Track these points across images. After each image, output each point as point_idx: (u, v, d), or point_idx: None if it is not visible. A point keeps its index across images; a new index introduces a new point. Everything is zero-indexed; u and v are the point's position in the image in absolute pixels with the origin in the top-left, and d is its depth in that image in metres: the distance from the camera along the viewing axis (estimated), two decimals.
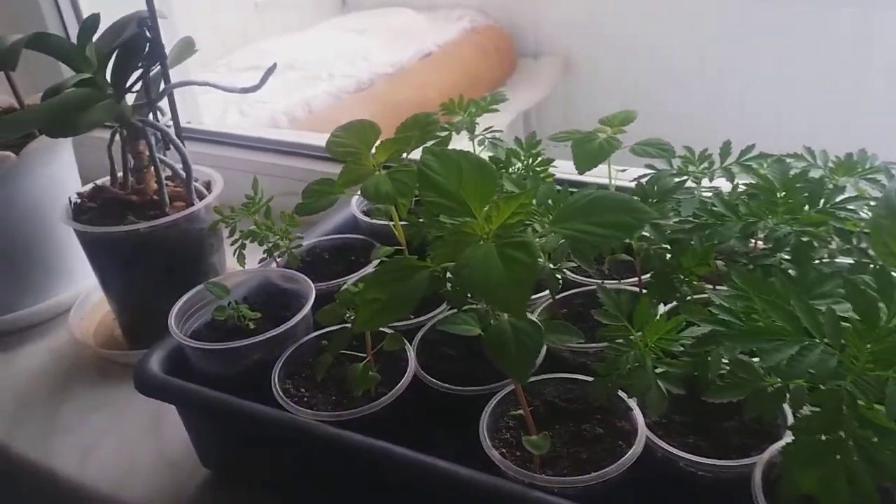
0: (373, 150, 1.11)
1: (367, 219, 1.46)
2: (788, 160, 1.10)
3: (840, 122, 3.68)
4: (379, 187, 1.02)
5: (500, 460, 0.92)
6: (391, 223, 1.17)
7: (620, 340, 0.89)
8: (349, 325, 1.01)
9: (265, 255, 1.29)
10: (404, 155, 1.11)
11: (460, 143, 1.44)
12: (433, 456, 0.95)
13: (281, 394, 1.07)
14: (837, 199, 0.99)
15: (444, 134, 1.31)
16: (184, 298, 1.22)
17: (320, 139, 2.01)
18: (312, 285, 1.23)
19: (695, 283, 1.06)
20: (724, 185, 1.17)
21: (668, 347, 0.88)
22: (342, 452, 0.98)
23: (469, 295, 1.03)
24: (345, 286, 1.07)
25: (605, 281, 1.24)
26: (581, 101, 4.41)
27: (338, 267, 1.41)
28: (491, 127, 1.36)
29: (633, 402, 0.98)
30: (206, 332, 1.22)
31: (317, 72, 3.59)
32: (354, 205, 1.51)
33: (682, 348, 0.88)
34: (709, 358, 0.88)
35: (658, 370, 0.87)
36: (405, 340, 1.03)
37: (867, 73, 3.70)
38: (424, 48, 4.04)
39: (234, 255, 1.29)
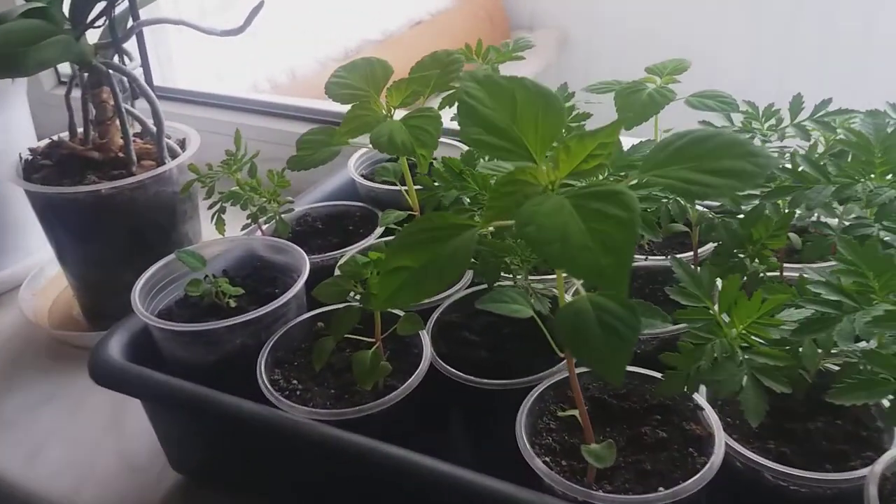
0: (383, 94, 0.92)
1: (368, 183, 1.26)
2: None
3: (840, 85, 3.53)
4: (393, 136, 0.83)
5: (546, 472, 0.74)
6: (402, 188, 0.98)
7: (702, 325, 0.71)
8: (354, 304, 0.82)
9: (249, 221, 1.09)
10: (420, 100, 0.92)
11: None
12: (456, 465, 0.77)
13: (269, 386, 0.88)
14: None
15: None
16: (151, 270, 1.02)
17: (311, 103, 1.81)
18: (306, 257, 1.04)
19: (769, 258, 0.89)
20: (795, 145, 1.00)
21: (763, 334, 0.70)
22: (345, 459, 0.80)
23: (509, 264, 0.85)
24: (345, 258, 0.88)
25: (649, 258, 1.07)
26: (576, 77, 4.22)
27: (334, 238, 1.22)
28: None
29: (703, 401, 0.81)
30: (177, 311, 1.03)
31: (302, 36, 3.37)
32: (352, 167, 1.31)
33: (779, 336, 0.70)
34: (810, 347, 0.71)
35: (750, 362, 0.70)
36: (422, 322, 0.85)
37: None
38: (415, 16, 3.83)
39: (211, 220, 1.09)
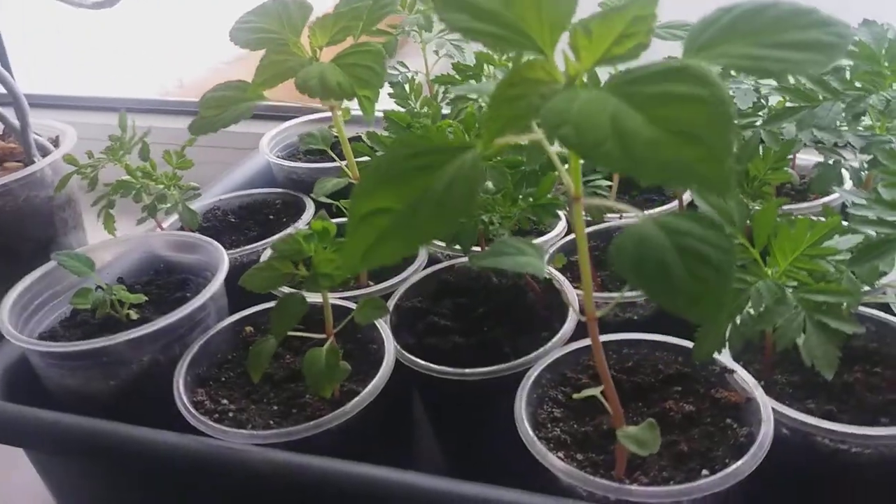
0: (304, 37, 0.75)
1: (288, 163, 1.08)
2: None
3: None
4: (326, 78, 0.66)
5: (566, 470, 0.58)
6: (333, 164, 0.81)
7: (741, 265, 0.57)
8: (295, 293, 0.64)
9: (145, 215, 0.88)
10: (351, 39, 0.75)
11: (412, 51, 1.09)
12: (447, 477, 0.60)
13: (192, 409, 0.69)
14: None
15: (388, 36, 0.96)
16: (24, 284, 0.81)
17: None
18: (224, 253, 0.85)
19: (770, 196, 0.77)
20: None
21: (813, 268, 0.57)
22: (306, 487, 0.62)
23: (488, 223, 0.69)
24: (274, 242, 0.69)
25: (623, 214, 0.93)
26: None
27: (251, 231, 1.03)
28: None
29: (731, 362, 0.67)
30: (63, 332, 0.82)
31: (189, 44, 3.12)
32: (266, 147, 1.12)
33: (832, 269, 0.58)
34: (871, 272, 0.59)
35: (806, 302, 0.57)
36: (385, 305, 0.67)
37: None
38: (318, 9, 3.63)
39: (98, 217, 0.88)
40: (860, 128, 0.76)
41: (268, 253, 0.91)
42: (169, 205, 0.88)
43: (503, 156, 0.69)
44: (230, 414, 0.70)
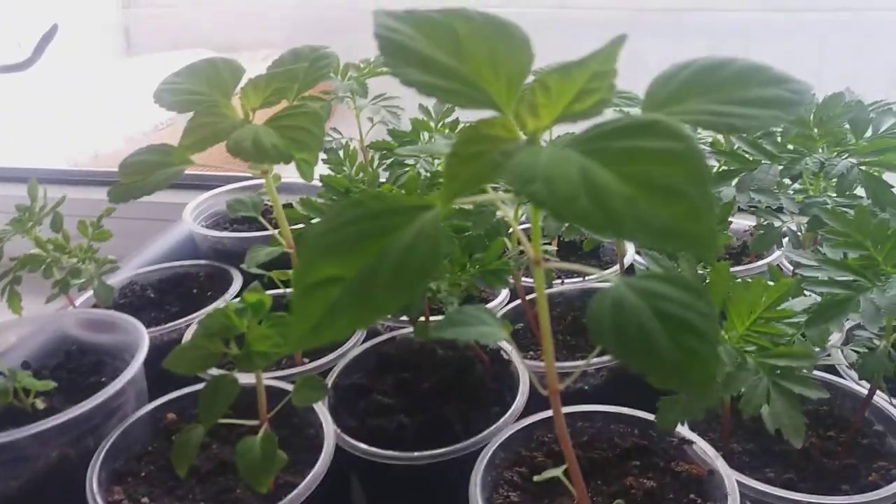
0: (235, 100, 0.71)
1: (213, 233, 1.02)
2: None
3: None
4: (260, 140, 0.62)
5: None
6: (263, 233, 0.76)
7: None
8: (226, 375, 0.58)
9: (55, 291, 0.81)
10: (285, 102, 0.71)
11: (344, 118, 1.06)
12: None
13: None
14: (887, 126, 0.74)
15: (321, 101, 0.93)
16: None
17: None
18: (144, 331, 0.78)
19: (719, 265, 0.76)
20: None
21: (771, 331, 0.55)
22: None
23: (436, 291, 0.65)
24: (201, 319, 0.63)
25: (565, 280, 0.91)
26: None
27: (172, 307, 0.95)
28: (384, 94, 1.00)
29: (689, 432, 0.65)
30: None
31: (103, 114, 3.03)
32: (190, 217, 1.06)
33: (791, 332, 0.56)
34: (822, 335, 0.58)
35: (767, 367, 0.55)
36: (325, 385, 0.62)
37: None
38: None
39: (1, 295, 0.79)
40: (790, 191, 0.78)
41: (192, 330, 0.84)
42: (83, 280, 0.80)
43: (448, 220, 0.66)
44: None
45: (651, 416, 0.67)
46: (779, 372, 0.54)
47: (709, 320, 0.33)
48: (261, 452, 0.55)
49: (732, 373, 0.54)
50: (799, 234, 0.78)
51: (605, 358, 0.76)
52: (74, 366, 0.79)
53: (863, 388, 0.69)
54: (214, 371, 0.66)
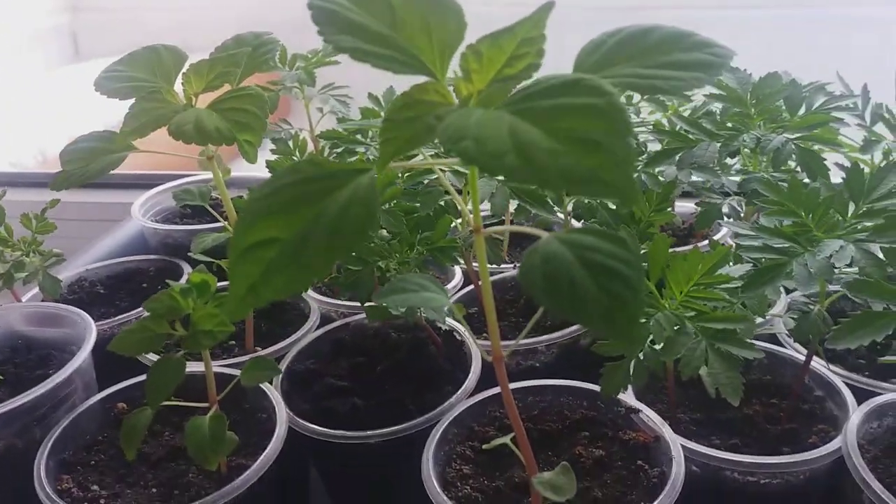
0: (177, 85, 0.71)
1: (163, 227, 1.01)
2: None
3: None
4: (202, 123, 0.62)
5: None
6: (220, 222, 0.76)
7: None
8: (171, 356, 0.58)
9: None
10: (228, 86, 0.71)
11: (296, 112, 1.06)
12: None
13: (56, 500, 0.60)
14: (819, 103, 0.77)
15: (269, 92, 0.93)
16: None
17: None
18: (91, 322, 0.77)
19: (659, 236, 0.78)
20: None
21: (709, 296, 0.57)
22: None
23: (384, 269, 0.65)
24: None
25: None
26: None
27: (122, 302, 0.94)
28: (332, 83, 1.00)
29: (636, 402, 0.66)
30: None
31: (50, 118, 2.96)
32: (138, 212, 1.05)
33: (726, 298, 0.58)
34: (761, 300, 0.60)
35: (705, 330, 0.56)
36: (276, 365, 0.62)
37: None
38: None
39: None
40: (732, 170, 0.80)
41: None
42: (27, 273, 0.79)
43: (398, 202, 0.67)
44: (102, 501, 0.62)
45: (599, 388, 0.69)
46: (718, 335, 0.56)
47: (632, 267, 0.35)
48: (209, 431, 0.55)
49: (672, 337, 0.56)
50: (740, 210, 0.80)
51: (556, 335, 0.78)
52: (21, 360, 0.78)
53: (803, 356, 0.72)
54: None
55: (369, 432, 0.66)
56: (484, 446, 0.59)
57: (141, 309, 0.86)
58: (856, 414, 0.63)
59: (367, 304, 0.69)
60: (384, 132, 0.40)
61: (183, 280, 0.92)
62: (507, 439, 0.55)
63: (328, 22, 0.42)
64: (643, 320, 0.57)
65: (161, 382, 0.55)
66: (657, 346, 0.58)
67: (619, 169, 0.32)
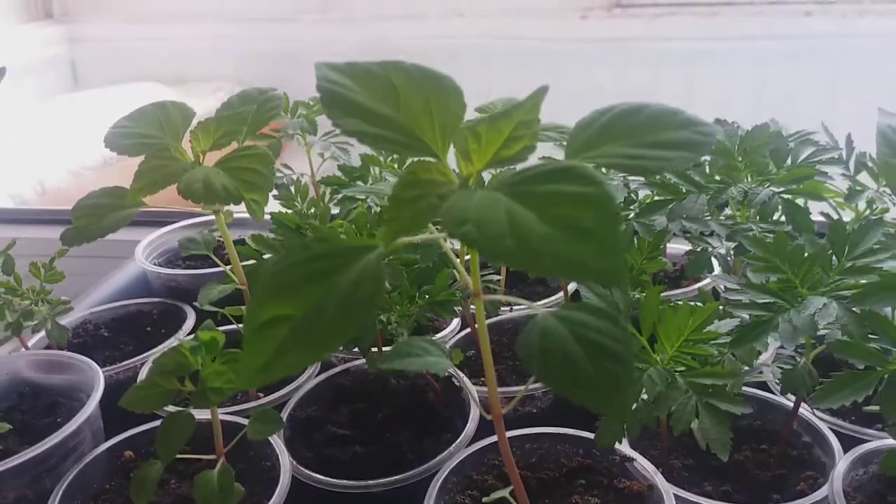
0: (185, 142, 0.74)
1: (166, 271, 1.03)
2: None
3: None
4: (211, 182, 0.65)
5: None
6: (214, 269, 0.79)
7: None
8: (182, 411, 0.60)
9: (7, 334, 0.81)
10: (234, 144, 0.74)
11: (295, 154, 1.09)
12: None
13: None
14: (805, 155, 0.80)
15: (271, 139, 0.96)
16: None
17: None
18: (99, 371, 0.78)
19: (650, 285, 0.81)
20: None
21: (698, 352, 0.60)
22: None
23: (386, 323, 0.68)
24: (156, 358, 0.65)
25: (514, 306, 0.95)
26: None
27: (127, 346, 0.96)
28: (333, 131, 1.03)
29: (630, 450, 0.68)
30: None
31: (50, 149, 2.99)
32: (142, 255, 1.07)
33: (716, 352, 0.61)
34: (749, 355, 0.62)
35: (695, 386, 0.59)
36: (280, 418, 0.64)
37: None
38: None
39: None
40: (722, 217, 0.83)
41: (147, 368, 0.85)
42: (36, 321, 0.81)
43: (397, 254, 0.69)
44: None
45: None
46: (708, 390, 0.58)
47: (622, 344, 0.37)
48: (217, 486, 0.57)
49: (663, 392, 0.58)
50: (729, 258, 0.83)
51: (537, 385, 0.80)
52: (28, 408, 0.80)
53: (791, 401, 0.74)
54: (171, 408, 0.67)
55: (371, 482, 0.68)
56: (484, 500, 0.61)
57: (145, 354, 0.88)
58: (842, 462, 0.65)
59: (369, 353, 0.71)
60: (390, 210, 0.42)
61: (187, 325, 0.94)
62: (506, 492, 0.58)
63: (336, 106, 0.45)
64: (636, 374, 0.59)
65: (172, 437, 0.57)
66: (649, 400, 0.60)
67: (608, 257, 0.34)
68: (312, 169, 1.04)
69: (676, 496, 0.63)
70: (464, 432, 0.72)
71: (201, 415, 0.64)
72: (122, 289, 1.08)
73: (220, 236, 0.78)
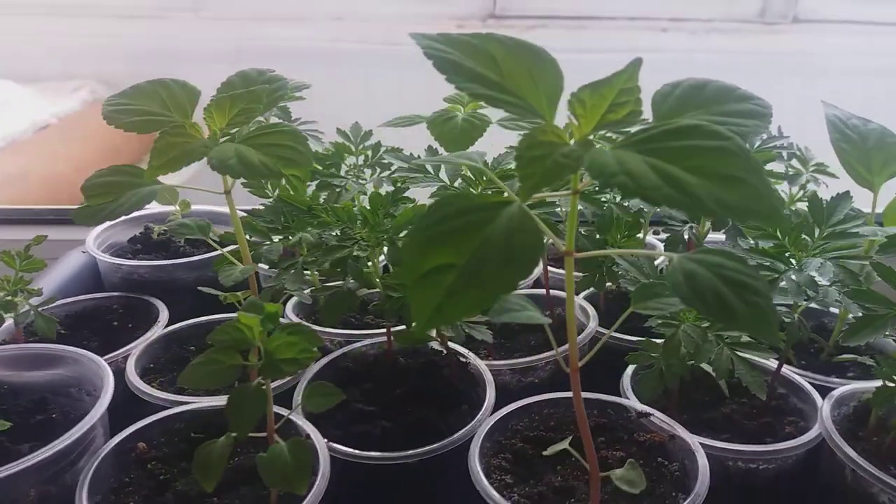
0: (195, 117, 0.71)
1: (127, 262, 0.97)
2: None
3: None
4: (247, 157, 0.64)
5: None
6: (228, 246, 0.77)
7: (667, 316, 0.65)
8: (251, 384, 0.59)
9: None
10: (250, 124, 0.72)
11: None
12: None
13: None
14: (758, 143, 0.90)
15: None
16: None
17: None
18: (101, 361, 0.74)
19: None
20: None
21: None
22: None
23: None
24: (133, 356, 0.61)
25: None
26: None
27: (90, 343, 0.90)
28: (300, 118, 1.02)
29: (637, 404, 0.74)
30: None
31: None
32: (93, 245, 1.00)
33: None
34: None
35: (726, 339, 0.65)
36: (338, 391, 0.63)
37: None
38: (39, 120, 3.34)
39: None
40: None
41: (133, 360, 0.81)
42: (18, 313, 0.75)
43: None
44: None
45: (607, 398, 0.76)
46: (735, 343, 0.65)
47: (759, 280, 0.42)
48: (292, 461, 0.56)
49: (700, 346, 0.64)
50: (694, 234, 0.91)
51: (546, 354, 0.84)
52: (10, 406, 0.73)
53: (763, 361, 0.82)
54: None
55: (410, 452, 0.69)
56: (545, 452, 0.64)
57: (131, 345, 0.84)
58: (825, 403, 0.74)
59: (394, 330, 0.72)
60: (521, 169, 0.45)
61: (163, 318, 0.90)
62: (566, 444, 0.61)
63: (453, 70, 0.47)
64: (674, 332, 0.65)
65: (245, 412, 0.56)
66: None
67: (767, 200, 0.39)
68: None
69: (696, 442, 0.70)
70: (486, 402, 0.75)
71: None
72: (64, 285, 1.01)
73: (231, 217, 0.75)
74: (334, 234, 0.75)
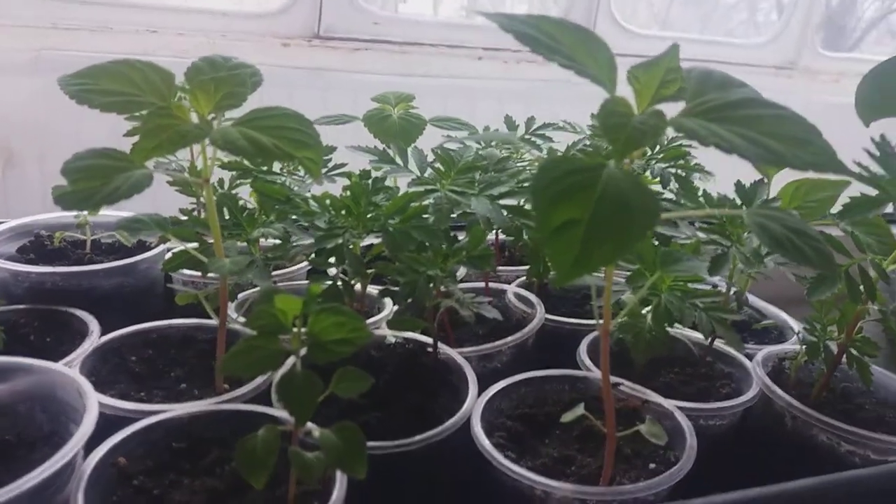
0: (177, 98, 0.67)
1: (37, 269, 0.86)
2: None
3: None
4: (258, 140, 0.61)
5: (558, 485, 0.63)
6: (185, 246, 0.71)
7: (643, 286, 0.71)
8: (302, 372, 0.55)
9: None
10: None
11: None
12: None
13: None
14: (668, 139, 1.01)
15: None
16: None
17: None
18: (66, 370, 0.66)
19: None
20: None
21: (693, 278, 0.74)
22: None
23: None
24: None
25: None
26: (24, 192, 3.63)
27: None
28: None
29: (613, 378, 0.80)
30: None
31: None
32: None
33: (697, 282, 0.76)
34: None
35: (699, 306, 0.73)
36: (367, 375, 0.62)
37: None
38: None
39: None
40: None
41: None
42: None
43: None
44: None
45: (576, 373, 0.81)
46: (708, 307, 0.72)
47: (810, 228, 0.49)
48: (343, 443, 0.54)
49: (683, 310, 0.71)
50: None
51: (511, 338, 0.88)
52: None
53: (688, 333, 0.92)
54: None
55: (412, 439, 0.69)
56: (562, 419, 0.67)
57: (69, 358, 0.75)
58: (757, 366, 0.85)
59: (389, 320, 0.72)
60: (610, 133, 0.48)
61: (94, 328, 0.81)
62: (581, 409, 0.65)
63: (540, 46, 0.50)
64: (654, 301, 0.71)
65: (303, 398, 0.53)
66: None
67: (832, 155, 0.46)
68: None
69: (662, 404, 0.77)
70: (470, 385, 0.77)
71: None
72: None
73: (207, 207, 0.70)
74: (321, 223, 0.73)
